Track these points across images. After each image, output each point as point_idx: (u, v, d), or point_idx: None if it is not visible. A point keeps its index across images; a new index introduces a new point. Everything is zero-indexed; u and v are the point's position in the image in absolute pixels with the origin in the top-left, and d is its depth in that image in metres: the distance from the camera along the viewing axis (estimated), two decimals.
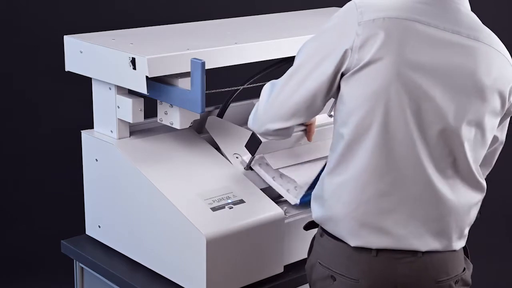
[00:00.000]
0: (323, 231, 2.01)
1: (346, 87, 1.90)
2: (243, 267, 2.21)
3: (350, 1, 1.92)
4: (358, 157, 1.90)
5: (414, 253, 1.93)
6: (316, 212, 2.02)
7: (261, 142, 2.31)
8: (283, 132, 2.06)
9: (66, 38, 2.45)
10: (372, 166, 1.88)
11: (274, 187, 2.38)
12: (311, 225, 2.13)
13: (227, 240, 2.15)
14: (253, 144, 2.33)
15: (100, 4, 4.34)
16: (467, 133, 1.91)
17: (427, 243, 1.93)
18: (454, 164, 1.92)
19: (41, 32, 4.23)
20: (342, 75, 1.91)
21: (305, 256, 2.39)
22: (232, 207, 2.22)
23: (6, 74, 4.26)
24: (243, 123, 2.70)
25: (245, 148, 2.37)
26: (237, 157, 2.44)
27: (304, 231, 2.21)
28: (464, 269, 2.03)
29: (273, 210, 2.26)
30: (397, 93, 1.84)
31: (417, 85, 1.85)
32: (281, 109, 2.00)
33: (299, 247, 2.36)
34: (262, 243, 2.23)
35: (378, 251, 1.93)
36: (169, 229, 2.21)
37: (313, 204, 2.05)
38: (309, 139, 2.41)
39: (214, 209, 2.20)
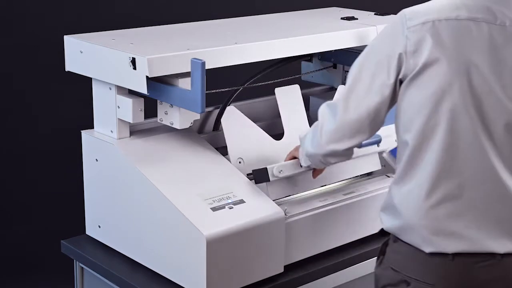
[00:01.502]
0: (397, 237, 1.99)
1: (406, 94, 1.90)
2: (243, 267, 2.21)
3: (400, 12, 1.93)
4: (424, 162, 1.89)
5: (492, 255, 1.88)
6: (387, 222, 2.00)
7: (269, 180, 2.33)
8: (348, 152, 2.05)
9: (66, 38, 2.45)
10: (438, 169, 1.87)
11: None
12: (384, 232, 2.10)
13: (227, 240, 2.15)
14: (261, 177, 2.34)
15: (100, 4, 4.34)
16: None
17: (504, 244, 1.88)
18: None
19: (41, 32, 4.23)
20: (400, 82, 1.90)
21: (305, 256, 2.40)
22: (232, 207, 2.22)
23: (6, 74, 4.26)
24: None
25: (249, 151, 2.37)
26: (239, 162, 2.43)
27: (305, 231, 2.20)
28: None
29: (273, 210, 2.26)
30: (460, 91, 1.84)
31: (477, 82, 1.84)
32: (344, 128, 1.99)
33: (299, 247, 2.36)
34: (262, 243, 2.23)
35: (454, 255, 1.89)
36: (169, 229, 2.21)
37: (382, 214, 2.03)
38: (313, 176, 2.43)
39: (214, 209, 2.20)
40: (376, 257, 2.08)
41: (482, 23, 1.86)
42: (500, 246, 1.88)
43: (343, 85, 2.04)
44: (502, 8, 1.88)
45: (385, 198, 2.02)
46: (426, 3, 1.93)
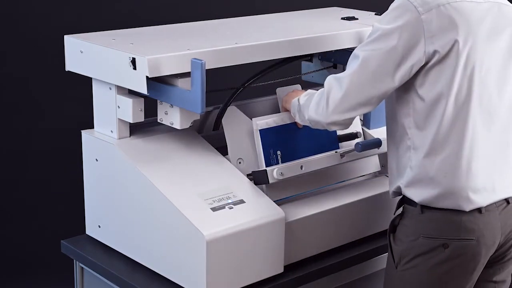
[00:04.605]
0: (424, 208, 2.10)
1: (426, 79, 2.05)
2: (243, 267, 2.21)
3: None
4: (455, 134, 2.05)
5: (506, 200, 2.15)
6: (420, 195, 2.10)
7: (268, 183, 2.34)
8: (349, 121, 2.16)
9: (66, 38, 2.45)
10: (471, 137, 2.06)
11: None
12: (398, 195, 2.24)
13: (227, 240, 2.15)
14: (260, 179, 2.35)
15: (100, 4, 4.34)
16: None
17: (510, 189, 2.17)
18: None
19: (41, 32, 4.23)
20: (423, 66, 2.04)
21: (305, 256, 2.39)
22: (232, 207, 2.22)
23: (6, 74, 4.26)
24: None
25: (250, 152, 2.36)
26: (239, 162, 2.43)
27: (305, 231, 2.19)
28: None
29: (273, 210, 2.26)
30: (478, 69, 2.05)
31: (484, 55, 2.06)
32: (350, 100, 2.09)
33: (299, 247, 2.36)
34: (262, 243, 2.23)
35: (485, 207, 2.09)
36: (169, 229, 2.21)
37: (411, 190, 2.12)
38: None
39: (214, 209, 2.20)
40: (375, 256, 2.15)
41: (473, 3, 2.08)
42: (509, 191, 2.16)
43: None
44: None
45: (410, 173, 2.12)
46: None
